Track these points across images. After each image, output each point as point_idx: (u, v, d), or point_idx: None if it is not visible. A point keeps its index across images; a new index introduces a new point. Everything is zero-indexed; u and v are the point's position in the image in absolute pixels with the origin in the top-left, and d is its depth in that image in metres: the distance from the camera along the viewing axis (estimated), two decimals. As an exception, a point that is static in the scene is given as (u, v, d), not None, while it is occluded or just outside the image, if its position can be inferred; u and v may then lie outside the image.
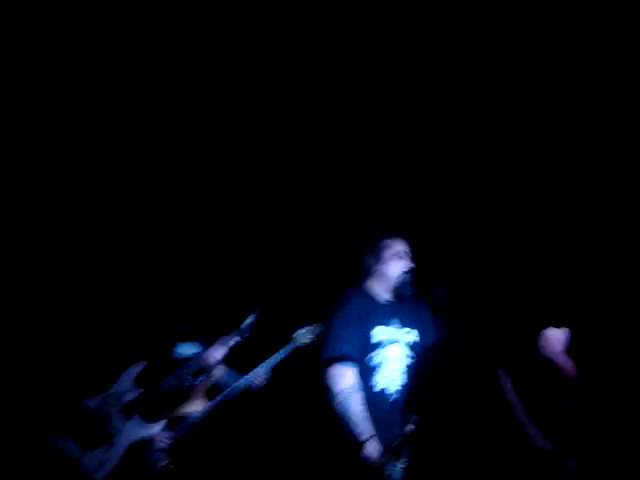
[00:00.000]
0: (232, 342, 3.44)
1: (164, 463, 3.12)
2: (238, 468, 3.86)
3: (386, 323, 2.99)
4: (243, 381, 3.48)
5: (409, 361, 3.03)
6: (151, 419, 3.23)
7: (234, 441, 3.73)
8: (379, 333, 2.94)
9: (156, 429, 3.21)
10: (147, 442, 3.24)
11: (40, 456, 3.10)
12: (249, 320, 3.45)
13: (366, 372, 2.89)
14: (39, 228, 4.01)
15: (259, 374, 3.50)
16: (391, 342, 2.96)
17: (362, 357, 2.88)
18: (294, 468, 3.39)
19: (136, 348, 3.47)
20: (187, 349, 3.54)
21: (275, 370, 3.56)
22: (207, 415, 3.40)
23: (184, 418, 3.36)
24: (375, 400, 2.86)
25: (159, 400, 3.33)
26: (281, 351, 3.56)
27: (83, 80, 3.71)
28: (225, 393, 3.46)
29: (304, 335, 3.52)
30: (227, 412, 3.49)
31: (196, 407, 3.41)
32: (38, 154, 3.91)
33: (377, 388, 2.90)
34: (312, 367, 2.99)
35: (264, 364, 3.52)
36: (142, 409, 3.23)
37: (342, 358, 2.82)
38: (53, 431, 3.14)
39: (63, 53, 3.54)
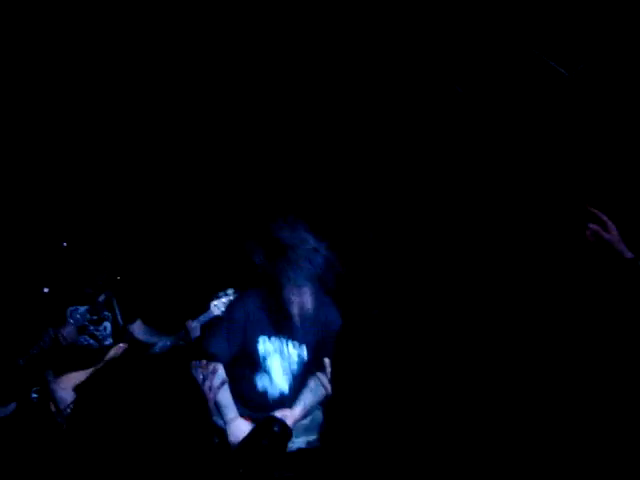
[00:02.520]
0: None
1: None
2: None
3: (273, 335, 3.13)
4: (173, 338, 3.68)
5: (291, 370, 3.20)
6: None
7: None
8: (264, 344, 3.13)
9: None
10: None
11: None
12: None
13: (247, 374, 3.13)
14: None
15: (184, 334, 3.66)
16: (274, 354, 3.15)
17: (241, 359, 3.09)
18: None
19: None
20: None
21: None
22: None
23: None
24: (256, 398, 3.15)
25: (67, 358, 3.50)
26: (203, 315, 3.69)
27: (83, 80, 3.74)
28: (155, 349, 3.66)
29: (221, 305, 3.65)
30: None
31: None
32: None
33: (259, 389, 3.16)
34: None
35: (192, 322, 3.66)
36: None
37: (211, 357, 2.94)
38: None
39: (63, 53, 3.58)
